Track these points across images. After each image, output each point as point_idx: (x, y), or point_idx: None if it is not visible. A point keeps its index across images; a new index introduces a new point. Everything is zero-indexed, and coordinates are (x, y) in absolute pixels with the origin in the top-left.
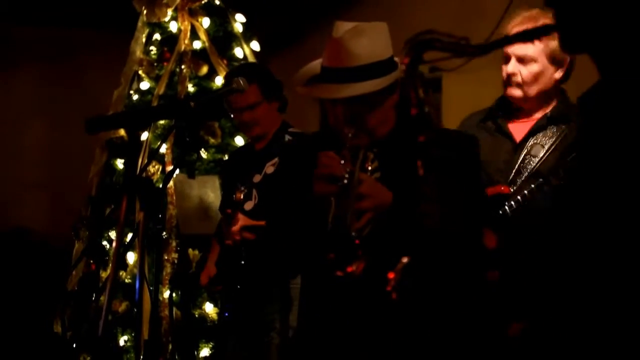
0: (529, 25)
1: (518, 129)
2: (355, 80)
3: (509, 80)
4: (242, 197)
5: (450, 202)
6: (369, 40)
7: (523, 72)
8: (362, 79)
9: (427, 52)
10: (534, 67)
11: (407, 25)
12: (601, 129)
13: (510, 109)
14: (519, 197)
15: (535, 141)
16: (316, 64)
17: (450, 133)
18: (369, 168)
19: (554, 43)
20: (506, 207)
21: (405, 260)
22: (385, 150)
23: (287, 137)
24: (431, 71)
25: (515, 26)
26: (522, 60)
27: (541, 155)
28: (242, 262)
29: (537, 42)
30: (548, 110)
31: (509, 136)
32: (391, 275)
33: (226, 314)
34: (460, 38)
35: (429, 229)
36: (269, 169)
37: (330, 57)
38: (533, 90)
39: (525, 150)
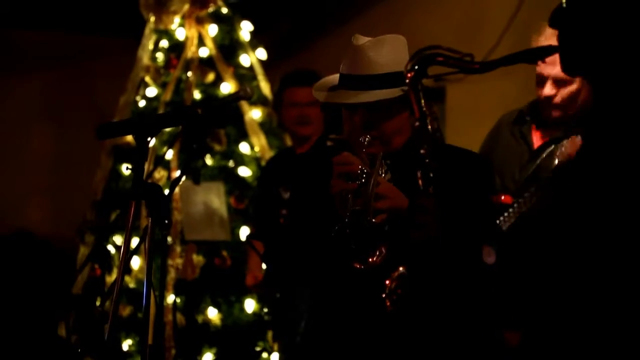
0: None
1: (542, 136)
2: (375, 88)
3: (548, 103)
4: None
5: (449, 215)
6: (389, 50)
7: (562, 93)
8: (381, 86)
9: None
10: (572, 87)
11: (412, 36)
12: (600, 150)
13: (540, 115)
14: (513, 207)
15: (554, 150)
16: (334, 77)
17: (463, 153)
18: (383, 177)
19: None
20: (501, 218)
21: (401, 269)
22: (399, 164)
23: (329, 143)
24: (435, 81)
25: (544, 40)
26: (559, 81)
27: (555, 164)
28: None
29: None
30: None
31: (528, 143)
32: (387, 282)
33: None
34: (465, 54)
35: (420, 240)
36: None
37: (350, 65)
38: (574, 109)
39: (541, 159)
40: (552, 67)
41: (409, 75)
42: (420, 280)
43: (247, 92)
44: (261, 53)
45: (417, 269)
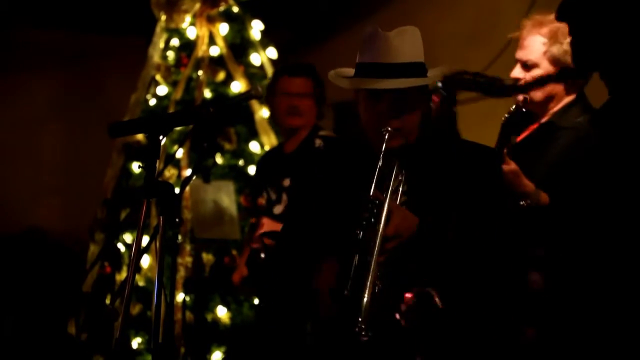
0: (539, 31)
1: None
2: (405, 76)
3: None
4: (264, 202)
5: (465, 223)
6: (411, 40)
7: (527, 77)
8: (409, 75)
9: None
10: (536, 72)
11: (424, 37)
12: (615, 146)
13: (522, 120)
14: None
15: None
16: (345, 70)
17: (471, 146)
18: (400, 187)
19: (555, 48)
20: None
21: (415, 290)
22: (415, 160)
23: (318, 141)
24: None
25: (526, 33)
26: (525, 65)
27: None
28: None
29: (539, 47)
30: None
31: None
32: (402, 307)
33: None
34: (492, 78)
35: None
36: None
37: (374, 53)
38: (537, 96)
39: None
40: (522, 51)
41: (434, 99)
42: (437, 297)
43: (258, 91)
44: (272, 52)
45: (432, 286)
